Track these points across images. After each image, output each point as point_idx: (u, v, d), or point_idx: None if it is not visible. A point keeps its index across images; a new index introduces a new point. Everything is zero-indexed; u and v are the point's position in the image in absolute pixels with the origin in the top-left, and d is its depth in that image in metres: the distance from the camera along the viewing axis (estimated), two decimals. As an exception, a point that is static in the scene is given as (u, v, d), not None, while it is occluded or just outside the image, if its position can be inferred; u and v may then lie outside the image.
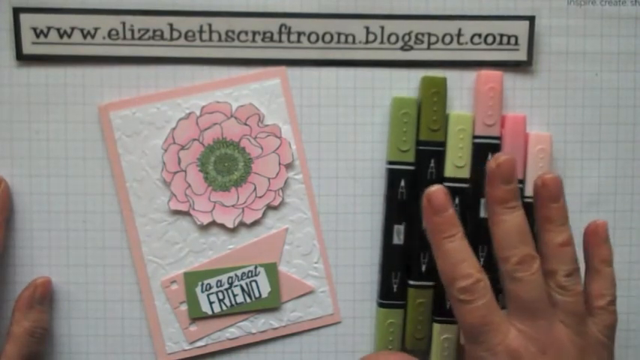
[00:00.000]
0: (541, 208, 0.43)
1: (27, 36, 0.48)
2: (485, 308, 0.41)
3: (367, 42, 0.49)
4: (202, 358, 0.50)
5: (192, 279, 0.49)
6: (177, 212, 0.49)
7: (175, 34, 0.49)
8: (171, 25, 0.49)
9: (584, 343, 0.42)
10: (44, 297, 0.48)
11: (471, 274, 0.41)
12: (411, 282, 0.49)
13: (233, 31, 0.49)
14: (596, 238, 0.45)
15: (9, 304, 0.49)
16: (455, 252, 0.42)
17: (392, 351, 0.49)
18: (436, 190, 0.42)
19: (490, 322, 0.41)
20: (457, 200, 0.48)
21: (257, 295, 0.50)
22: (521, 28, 0.49)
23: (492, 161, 0.43)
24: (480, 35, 0.49)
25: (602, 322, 0.43)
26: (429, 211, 0.43)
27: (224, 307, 0.49)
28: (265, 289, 0.50)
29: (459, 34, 0.49)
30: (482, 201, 0.48)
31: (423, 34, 0.49)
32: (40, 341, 0.47)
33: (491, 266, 0.49)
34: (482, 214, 0.48)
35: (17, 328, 0.47)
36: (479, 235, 0.48)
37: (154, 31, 0.49)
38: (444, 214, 0.42)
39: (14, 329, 0.47)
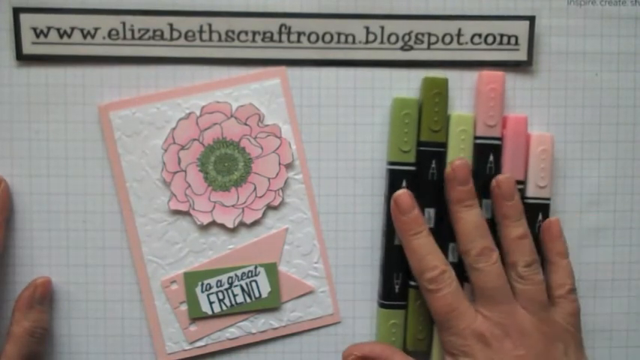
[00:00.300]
0: (498, 206, 0.47)
1: (27, 36, 0.48)
2: (451, 296, 0.46)
3: (367, 42, 0.49)
4: (202, 358, 0.50)
5: (192, 279, 0.49)
6: (177, 212, 0.49)
7: (175, 34, 0.49)
8: (171, 25, 0.49)
9: (549, 330, 0.46)
10: (44, 297, 0.48)
11: (436, 265, 0.46)
12: (413, 283, 0.49)
13: (233, 31, 0.49)
14: (550, 234, 0.48)
15: (9, 304, 0.48)
16: (421, 247, 0.47)
17: (377, 342, 0.50)
18: (402, 194, 0.47)
19: (456, 309, 0.45)
20: (458, 201, 0.48)
21: (257, 295, 0.50)
22: (521, 28, 0.49)
23: (449, 166, 0.47)
24: (480, 35, 0.49)
25: (564, 311, 0.47)
26: (396, 212, 0.48)
27: (224, 307, 0.49)
28: (265, 289, 0.50)
29: (459, 34, 0.49)
30: (484, 202, 0.48)
31: (423, 34, 0.49)
32: (40, 341, 0.47)
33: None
34: (484, 214, 0.48)
35: (17, 328, 0.47)
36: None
37: (154, 31, 0.49)
38: (409, 214, 0.47)
39: (14, 329, 0.47)
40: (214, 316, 0.50)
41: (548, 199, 0.49)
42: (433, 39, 0.49)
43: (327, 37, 0.49)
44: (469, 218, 0.46)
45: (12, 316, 0.47)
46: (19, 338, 0.46)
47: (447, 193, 0.47)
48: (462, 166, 0.47)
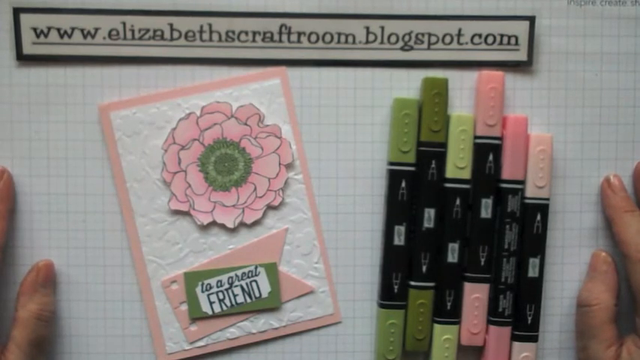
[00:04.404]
0: None
1: (27, 36, 0.48)
2: None
3: (367, 42, 0.49)
4: (202, 358, 0.50)
5: (192, 279, 0.49)
6: (177, 212, 0.49)
7: (175, 34, 0.49)
8: (171, 25, 0.49)
9: None
10: (47, 279, 0.48)
11: None
12: (412, 283, 0.49)
13: (233, 31, 0.49)
14: None
15: (9, 304, 0.49)
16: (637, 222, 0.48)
17: None
18: (614, 176, 0.50)
19: None
20: (458, 201, 0.48)
21: (257, 295, 0.50)
22: (521, 28, 0.49)
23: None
24: (480, 35, 0.49)
25: None
26: (609, 191, 0.50)
27: (224, 307, 0.49)
28: (265, 289, 0.50)
29: (459, 34, 0.49)
30: (484, 201, 0.48)
31: (423, 34, 0.49)
32: (47, 325, 0.47)
33: (491, 267, 0.49)
34: (484, 214, 0.48)
35: (24, 312, 0.46)
36: (480, 236, 0.48)
37: (154, 31, 0.49)
38: (622, 193, 0.50)
39: (20, 313, 0.46)
40: (214, 316, 0.50)
41: (547, 199, 0.49)
42: (433, 39, 0.49)
43: (327, 37, 0.49)
44: None
45: (17, 302, 0.47)
46: (26, 322, 0.46)
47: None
48: None
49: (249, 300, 0.50)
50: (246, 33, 0.49)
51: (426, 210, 0.48)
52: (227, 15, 0.49)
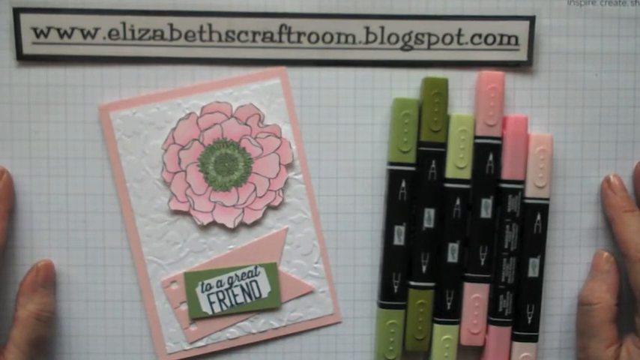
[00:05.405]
0: None
1: (27, 36, 0.48)
2: None
3: (367, 42, 0.49)
4: (202, 358, 0.50)
5: (192, 279, 0.49)
6: (177, 212, 0.49)
7: (175, 34, 0.49)
8: (171, 25, 0.49)
9: None
10: (47, 279, 0.48)
11: None
12: (412, 283, 0.49)
13: (233, 31, 0.49)
14: None
15: (8, 304, 0.49)
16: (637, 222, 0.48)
17: None
18: (614, 176, 0.50)
19: None
20: (458, 201, 0.48)
21: (257, 295, 0.50)
22: (521, 28, 0.49)
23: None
24: (480, 35, 0.49)
25: None
26: (609, 192, 0.50)
27: (224, 307, 0.49)
28: (265, 289, 0.50)
29: (459, 34, 0.49)
30: (484, 201, 0.48)
31: (423, 34, 0.49)
32: (47, 325, 0.47)
33: (491, 267, 0.49)
34: (484, 214, 0.48)
35: (23, 312, 0.46)
36: (480, 236, 0.48)
37: (154, 31, 0.49)
38: (622, 193, 0.50)
39: (20, 313, 0.46)
40: (214, 316, 0.50)
41: (547, 199, 0.49)
42: (433, 39, 0.49)
43: (327, 37, 0.49)
44: None
45: (16, 302, 0.47)
46: (26, 322, 0.46)
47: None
48: None
49: (249, 300, 0.50)
50: (246, 33, 0.49)
51: (426, 210, 0.48)
52: (227, 15, 0.49)
